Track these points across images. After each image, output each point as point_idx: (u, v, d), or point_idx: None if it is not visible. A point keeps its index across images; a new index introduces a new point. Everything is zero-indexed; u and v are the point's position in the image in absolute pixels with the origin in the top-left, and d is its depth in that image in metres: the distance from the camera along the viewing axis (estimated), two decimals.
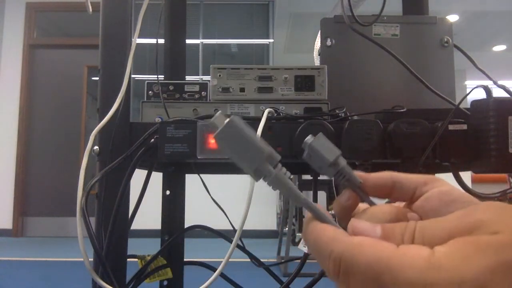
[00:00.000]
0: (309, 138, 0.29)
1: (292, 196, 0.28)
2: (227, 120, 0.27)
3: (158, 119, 0.71)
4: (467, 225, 0.21)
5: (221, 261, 0.61)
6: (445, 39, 0.84)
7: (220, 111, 0.30)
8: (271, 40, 4.99)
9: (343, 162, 0.30)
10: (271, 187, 0.28)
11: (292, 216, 3.26)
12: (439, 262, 0.20)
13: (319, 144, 0.29)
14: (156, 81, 0.83)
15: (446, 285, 0.19)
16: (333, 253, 0.23)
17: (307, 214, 0.28)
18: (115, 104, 0.63)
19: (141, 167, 0.70)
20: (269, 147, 0.27)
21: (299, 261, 0.68)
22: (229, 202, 1.31)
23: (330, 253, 0.23)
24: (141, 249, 0.82)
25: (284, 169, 0.28)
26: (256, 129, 0.60)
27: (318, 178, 0.70)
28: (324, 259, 0.24)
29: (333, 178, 0.30)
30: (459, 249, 0.20)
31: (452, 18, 4.85)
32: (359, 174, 0.30)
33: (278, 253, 3.16)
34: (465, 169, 0.62)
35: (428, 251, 0.21)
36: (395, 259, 0.21)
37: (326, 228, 0.25)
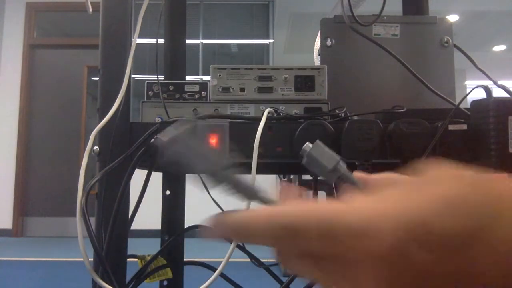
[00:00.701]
0: (307, 146, 0.29)
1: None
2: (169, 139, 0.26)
3: (158, 119, 0.71)
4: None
5: (221, 261, 0.61)
6: (445, 39, 0.84)
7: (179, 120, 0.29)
8: (271, 40, 4.99)
9: (343, 168, 0.29)
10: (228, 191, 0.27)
11: None
12: (384, 197, 0.22)
13: (318, 152, 0.29)
14: (156, 81, 0.83)
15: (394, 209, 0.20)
16: (276, 223, 0.22)
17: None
18: (115, 104, 0.63)
19: (141, 167, 0.70)
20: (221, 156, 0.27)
21: None
22: (229, 202, 1.31)
23: (272, 225, 0.22)
24: (141, 249, 0.82)
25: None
26: (256, 129, 0.60)
27: (318, 178, 0.70)
28: (261, 233, 0.23)
29: (333, 184, 0.30)
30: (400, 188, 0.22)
31: (452, 18, 4.85)
32: (359, 176, 0.30)
33: None
34: None
35: (372, 195, 0.22)
36: (340, 208, 0.21)
37: (255, 210, 0.23)
